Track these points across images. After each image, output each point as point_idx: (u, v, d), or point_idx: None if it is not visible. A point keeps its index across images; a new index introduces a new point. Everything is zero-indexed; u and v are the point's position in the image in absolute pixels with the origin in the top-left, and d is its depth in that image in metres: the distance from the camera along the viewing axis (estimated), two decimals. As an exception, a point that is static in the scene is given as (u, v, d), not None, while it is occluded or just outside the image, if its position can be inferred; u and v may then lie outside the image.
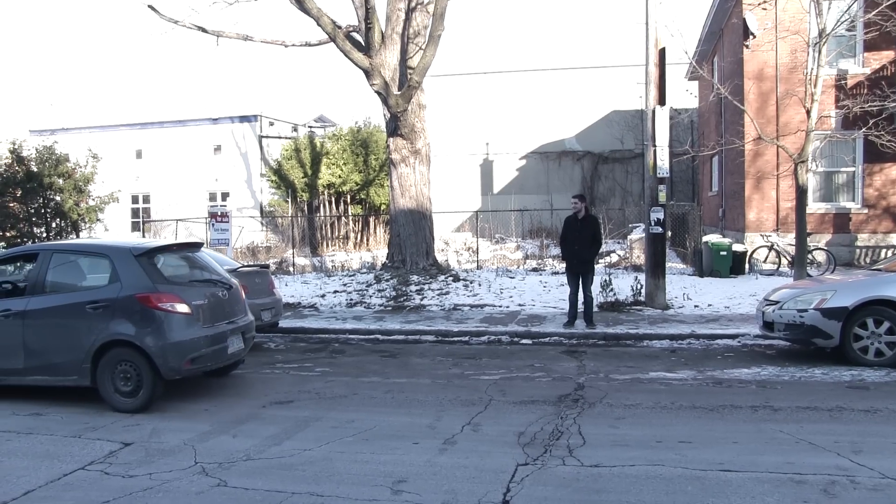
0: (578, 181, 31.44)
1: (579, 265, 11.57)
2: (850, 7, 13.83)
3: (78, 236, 21.15)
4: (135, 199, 34.50)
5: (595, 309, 12.00)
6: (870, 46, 17.24)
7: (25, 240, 20.08)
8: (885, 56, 17.56)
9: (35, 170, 19.81)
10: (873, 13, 13.97)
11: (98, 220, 21.22)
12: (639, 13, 13.53)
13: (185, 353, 7.29)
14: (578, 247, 11.50)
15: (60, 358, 7.32)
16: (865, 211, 17.90)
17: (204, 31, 16.15)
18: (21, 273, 8.20)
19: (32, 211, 20.12)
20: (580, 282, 11.62)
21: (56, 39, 79.30)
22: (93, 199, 20.98)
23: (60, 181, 20.16)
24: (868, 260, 17.50)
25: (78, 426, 6.61)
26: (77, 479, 5.28)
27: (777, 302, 9.24)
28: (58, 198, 20.26)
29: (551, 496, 4.72)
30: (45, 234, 20.33)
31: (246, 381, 8.70)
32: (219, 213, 19.24)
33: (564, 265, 12.10)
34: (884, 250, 17.56)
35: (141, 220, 32.77)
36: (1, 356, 7.51)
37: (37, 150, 20.42)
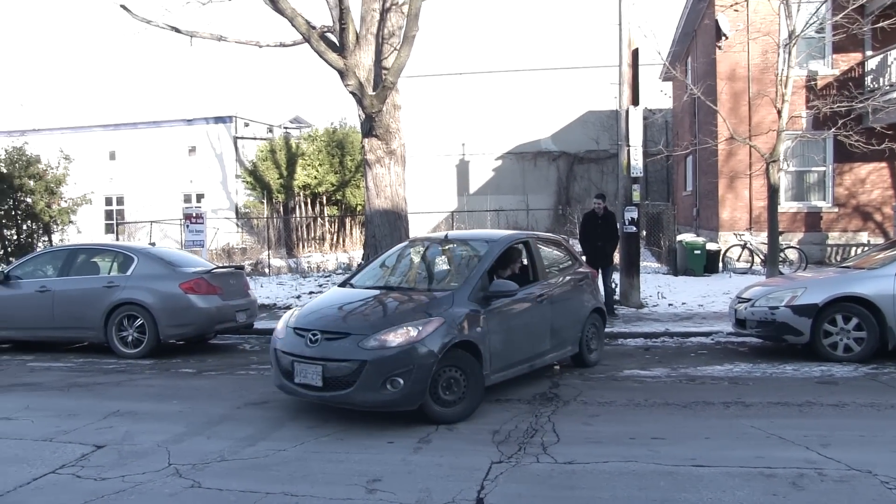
0: (554, 181, 31.58)
1: (602, 259, 12.16)
2: (818, 10, 14.02)
3: (50, 238, 20.90)
4: (108, 201, 34.15)
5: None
6: (838, 48, 17.52)
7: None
8: (852, 58, 17.84)
9: (4, 171, 19.56)
10: (840, 16, 14.18)
11: (71, 221, 20.99)
12: (613, 14, 13.65)
13: None
14: (602, 242, 12.13)
15: (570, 332, 8.42)
16: (836, 210, 18.17)
17: (178, 31, 16.02)
18: (505, 260, 8.19)
19: (2, 213, 19.85)
20: (601, 275, 12.03)
21: (27, 39, 78.31)
22: (65, 201, 20.74)
23: (31, 183, 19.91)
24: (838, 258, 17.75)
25: (49, 429, 6.52)
26: (47, 482, 5.21)
27: (749, 300, 9.36)
28: (29, 199, 20.01)
29: (525, 493, 4.75)
30: (15, 237, 20.06)
31: (220, 382, 8.66)
32: (193, 215, 19.11)
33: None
34: (853, 248, 17.82)
35: (115, 221, 32.42)
36: (536, 340, 7.79)
37: (6, 151, 20.16)
